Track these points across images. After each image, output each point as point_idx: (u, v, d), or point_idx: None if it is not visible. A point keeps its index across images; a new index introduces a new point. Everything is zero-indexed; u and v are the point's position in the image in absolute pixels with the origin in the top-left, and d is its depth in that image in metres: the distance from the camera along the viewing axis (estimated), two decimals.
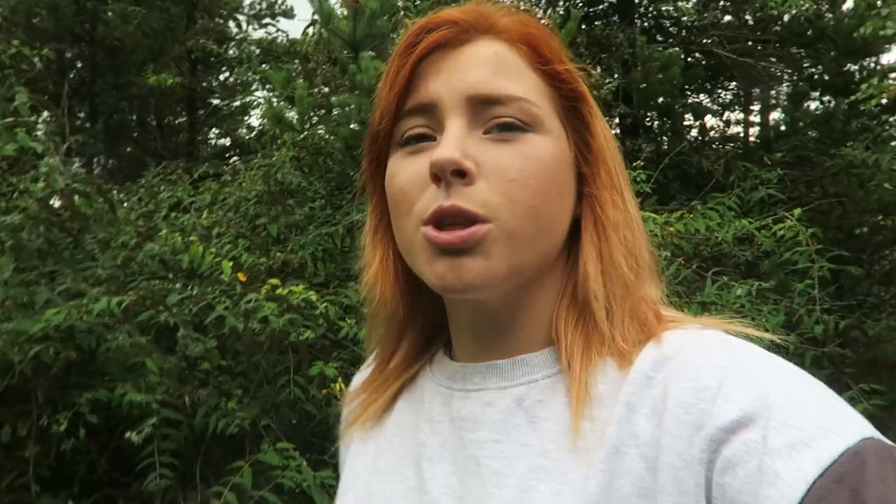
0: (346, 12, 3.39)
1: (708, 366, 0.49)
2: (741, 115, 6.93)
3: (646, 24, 5.68)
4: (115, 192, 3.19)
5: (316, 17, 4.48)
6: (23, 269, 2.78)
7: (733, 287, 2.69)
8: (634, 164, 3.28)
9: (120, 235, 3.01)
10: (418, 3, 3.52)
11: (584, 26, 4.80)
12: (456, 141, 0.53)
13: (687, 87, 5.82)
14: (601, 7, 5.86)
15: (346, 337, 2.73)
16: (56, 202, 2.80)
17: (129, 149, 10.00)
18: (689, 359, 0.50)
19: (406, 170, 0.57)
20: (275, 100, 4.47)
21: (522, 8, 0.62)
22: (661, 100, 4.86)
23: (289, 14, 10.22)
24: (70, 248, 2.99)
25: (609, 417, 0.51)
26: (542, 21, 0.63)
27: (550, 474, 0.51)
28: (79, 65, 8.61)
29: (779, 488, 0.41)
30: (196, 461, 2.63)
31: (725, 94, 6.89)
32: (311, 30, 5.27)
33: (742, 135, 6.78)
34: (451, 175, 0.53)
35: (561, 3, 5.45)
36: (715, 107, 6.70)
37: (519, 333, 0.59)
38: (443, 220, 0.53)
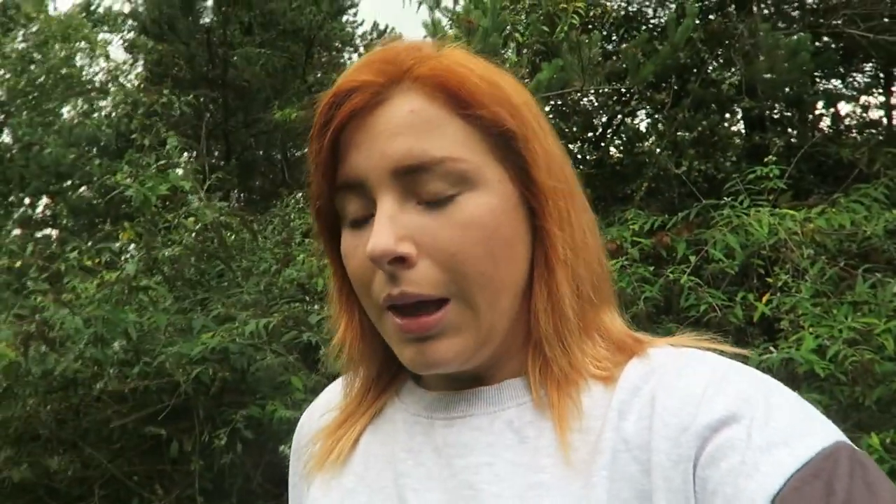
0: (457, 32, 3.47)
1: (693, 375, 0.51)
2: (881, 99, 6.39)
3: (766, 11, 5.39)
4: (253, 222, 3.44)
5: (427, 38, 4.59)
6: (178, 298, 3.04)
7: (888, 284, 2.48)
8: (765, 159, 3.11)
9: (261, 263, 3.23)
10: (526, 20, 3.55)
11: (699, 20, 4.63)
12: (387, 225, 0.51)
13: (817, 73, 5.46)
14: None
15: None
16: (205, 235, 3.05)
17: (258, 182, 10.67)
18: (675, 370, 0.52)
19: (354, 251, 0.55)
20: None
21: (442, 40, 0.59)
22: (788, 90, 4.58)
23: (398, 39, 10.55)
24: (217, 277, 3.24)
25: (602, 426, 0.52)
26: (466, 52, 0.57)
27: (550, 489, 0.51)
28: (211, 107, 9.33)
29: (757, 480, 0.44)
30: None
31: (861, 78, 6.39)
32: None
33: (885, 119, 6.25)
34: (391, 264, 0.51)
35: (671, 0, 5.29)
36: (850, 92, 6.23)
37: (499, 369, 0.58)
38: (397, 304, 0.52)
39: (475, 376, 0.58)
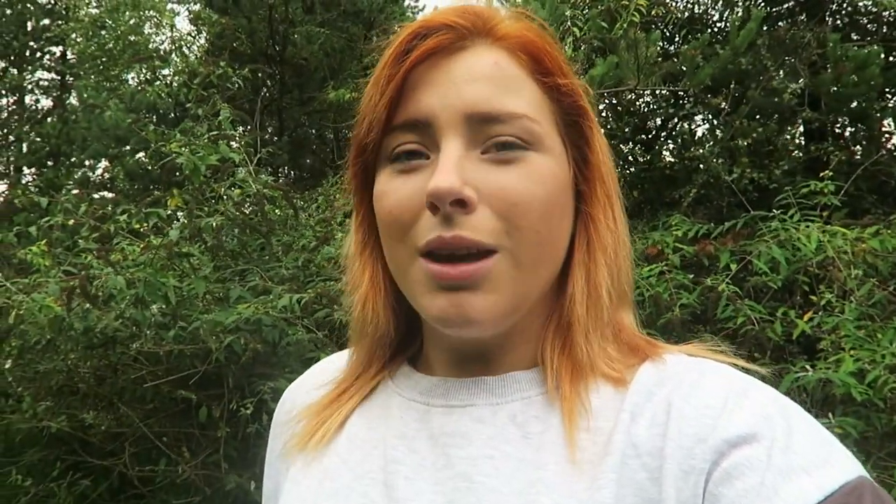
0: None
1: (712, 385, 0.50)
2: None
3: (839, 21, 5.20)
4: (297, 199, 3.48)
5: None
6: (218, 267, 3.11)
7: None
8: (822, 174, 3.01)
9: (301, 239, 3.27)
10: (585, 11, 3.49)
11: (765, 27, 4.50)
12: (454, 166, 0.49)
13: (887, 89, 5.25)
14: (786, 6, 5.45)
15: None
16: (249, 207, 3.11)
17: (308, 160, 10.81)
18: (693, 379, 0.51)
19: (397, 192, 0.52)
20: None
21: (521, 10, 0.57)
22: (854, 104, 4.42)
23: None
24: (258, 250, 3.30)
25: (612, 428, 0.50)
26: (544, 26, 0.56)
27: (551, 487, 0.49)
28: (268, 83, 9.47)
29: None
30: None
31: None
32: None
33: None
34: (451, 206, 0.49)
35: (739, 4, 5.15)
36: None
37: (508, 353, 0.57)
38: (442, 251, 0.50)
39: (482, 361, 0.57)
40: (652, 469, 0.48)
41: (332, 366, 0.68)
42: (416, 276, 0.52)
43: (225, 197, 3.04)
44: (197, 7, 10.91)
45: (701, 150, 4.41)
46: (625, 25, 3.37)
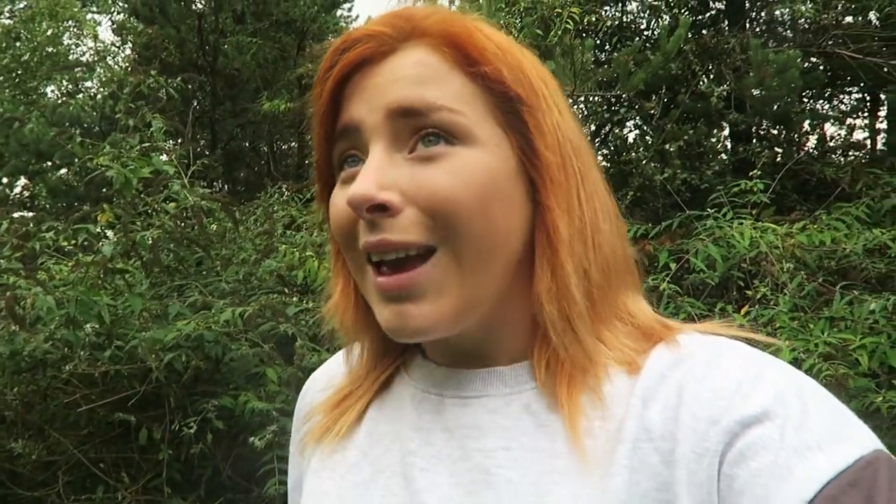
0: None
1: (725, 367, 0.49)
2: (866, 122, 6.48)
3: (758, 28, 5.45)
4: (236, 211, 3.40)
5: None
6: (154, 283, 2.99)
7: (865, 301, 2.51)
8: (751, 174, 3.14)
9: (241, 252, 3.19)
10: (519, 21, 3.55)
11: (691, 34, 4.67)
12: (373, 173, 0.49)
13: (805, 93, 5.52)
14: (710, 14, 5.68)
15: None
16: (186, 221, 3.01)
17: (243, 173, 10.59)
18: (705, 360, 0.50)
19: (339, 201, 0.53)
20: None
21: (452, 5, 0.58)
22: (776, 106, 4.63)
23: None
24: (196, 265, 3.20)
25: (624, 414, 0.50)
26: (477, 18, 0.56)
27: (566, 476, 0.50)
28: (199, 95, 9.24)
29: (791, 484, 0.41)
30: None
31: (848, 100, 6.47)
32: None
33: (868, 142, 6.34)
34: (369, 212, 0.49)
35: (666, 13, 5.33)
36: (836, 114, 6.31)
37: (506, 344, 0.56)
38: (376, 255, 0.51)
39: (479, 351, 0.56)
40: (665, 452, 0.47)
41: (339, 362, 0.69)
42: (367, 285, 0.53)
43: (160, 211, 2.93)
44: (121, 17, 10.56)
45: (634, 154, 4.53)
46: (559, 32, 3.44)
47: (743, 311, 2.53)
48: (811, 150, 5.66)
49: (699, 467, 0.45)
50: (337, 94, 0.54)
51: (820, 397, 0.47)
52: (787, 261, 2.69)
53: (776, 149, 5.27)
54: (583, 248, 0.53)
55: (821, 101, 6.31)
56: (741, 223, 2.79)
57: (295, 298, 2.80)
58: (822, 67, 5.14)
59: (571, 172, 0.54)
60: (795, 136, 5.66)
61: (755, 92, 4.15)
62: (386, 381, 0.62)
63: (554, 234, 0.52)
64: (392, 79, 0.52)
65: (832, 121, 6.18)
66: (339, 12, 10.50)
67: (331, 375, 0.68)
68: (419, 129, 0.51)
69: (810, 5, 3.96)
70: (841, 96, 6.43)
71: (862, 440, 0.44)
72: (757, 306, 2.51)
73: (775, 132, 5.57)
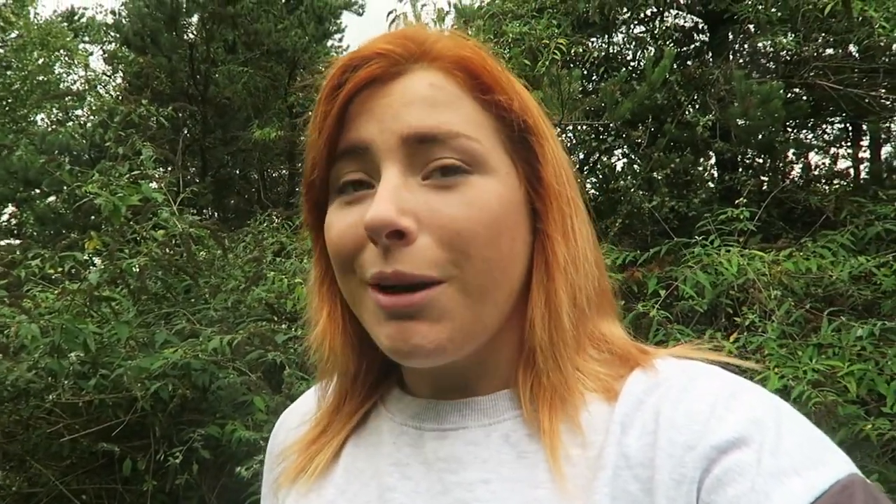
0: None
1: (700, 390, 0.49)
2: (849, 151, 6.59)
3: (741, 60, 5.56)
4: (224, 238, 3.39)
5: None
6: (141, 311, 2.97)
7: (852, 328, 2.52)
8: (737, 202, 3.17)
9: (230, 280, 3.18)
10: (507, 51, 3.60)
11: (676, 65, 4.75)
12: (391, 195, 0.48)
13: (788, 123, 5.62)
14: (694, 46, 5.78)
15: None
16: (174, 248, 2.99)
17: (233, 201, 10.59)
18: (680, 384, 0.50)
19: (340, 223, 0.52)
20: None
21: (457, 31, 0.56)
22: (760, 136, 4.71)
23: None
24: (184, 293, 3.18)
25: (604, 441, 0.50)
26: (482, 45, 0.56)
27: (550, 501, 0.49)
28: (189, 123, 9.28)
29: None
30: None
31: (830, 130, 6.59)
32: None
33: (852, 170, 6.44)
34: (388, 237, 0.48)
35: (651, 44, 5.43)
36: (819, 143, 6.42)
37: (490, 373, 0.56)
38: (386, 284, 0.49)
39: (462, 382, 0.56)
40: (644, 480, 0.47)
41: (311, 397, 0.67)
42: (367, 305, 0.52)
43: (148, 238, 2.92)
44: (112, 46, 10.61)
45: (623, 182, 4.58)
46: (547, 63, 3.49)
47: (732, 338, 2.54)
48: (796, 179, 5.74)
49: (678, 494, 0.45)
50: (343, 111, 0.52)
51: (794, 421, 0.47)
52: (775, 288, 2.71)
53: (762, 177, 5.34)
54: (575, 274, 0.53)
55: (804, 131, 6.43)
56: (728, 250, 2.81)
57: (284, 326, 2.78)
58: (804, 98, 5.24)
59: (567, 201, 0.54)
60: (780, 164, 5.75)
61: (740, 122, 4.22)
62: (363, 416, 0.61)
63: (553, 261, 0.53)
64: (405, 101, 0.50)
65: (816, 150, 6.29)
66: (329, 42, 10.62)
67: (304, 412, 0.66)
68: (436, 157, 0.50)
69: (791, 38, 4.05)
70: (824, 126, 6.55)
71: (837, 464, 0.44)
72: (746, 333, 2.52)
73: (760, 161, 5.65)
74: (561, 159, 0.55)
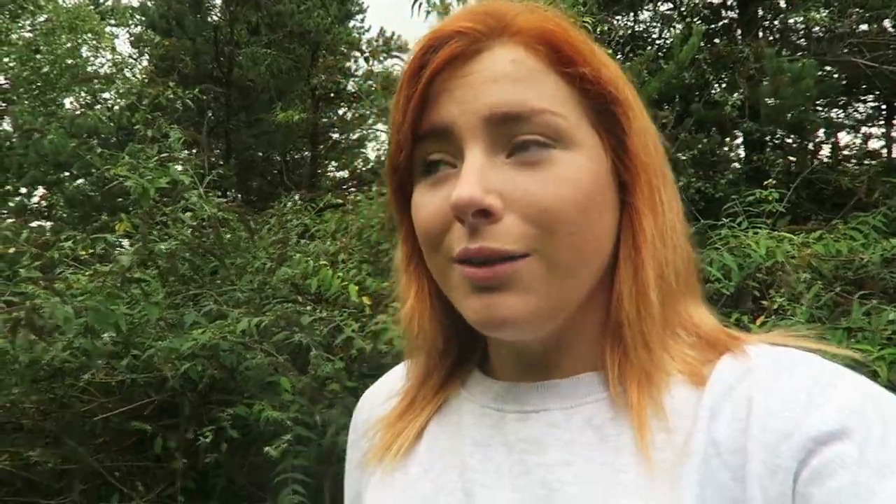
0: None
1: (798, 377, 0.47)
2: (882, 130, 6.44)
3: (771, 37, 5.44)
4: (251, 220, 3.43)
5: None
6: (170, 293, 3.02)
7: (883, 311, 2.48)
8: (765, 182, 3.12)
9: (255, 261, 3.21)
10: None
11: (704, 43, 4.67)
12: (476, 175, 0.48)
13: (819, 101, 5.50)
14: (722, 23, 5.67)
15: None
16: (202, 230, 3.03)
17: (256, 183, 10.67)
18: (775, 371, 0.49)
19: (427, 205, 0.52)
20: None
21: (535, 3, 0.54)
22: (790, 115, 4.62)
23: (405, 49, 10.64)
24: (211, 274, 3.22)
25: (692, 427, 0.49)
26: (564, 16, 0.54)
27: (632, 491, 0.48)
28: (214, 105, 9.34)
29: None
30: (325, 480, 2.72)
31: (863, 109, 6.44)
32: None
33: (884, 150, 6.29)
34: (474, 216, 0.48)
35: (678, 21, 5.33)
36: (851, 122, 6.27)
37: (573, 353, 0.55)
38: (473, 260, 0.49)
39: (545, 363, 0.55)
40: (734, 468, 0.46)
41: (398, 376, 0.68)
42: (454, 280, 0.52)
43: (176, 220, 2.96)
44: (138, 29, 10.69)
45: None
46: None
47: (759, 322, 2.51)
48: (825, 160, 5.63)
49: (772, 484, 0.44)
50: (426, 92, 0.52)
51: None
52: (804, 270, 2.67)
53: (789, 158, 5.25)
54: (663, 248, 0.52)
55: (835, 110, 6.29)
56: (756, 232, 2.78)
57: (309, 307, 2.81)
58: (836, 75, 5.12)
59: (656, 171, 0.53)
60: (809, 144, 5.64)
61: (769, 101, 4.14)
62: (444, 398, 0.62)
63: (640, 235, 0.52)
64: (486, 79, 0.50)
65: (847, 129, 6.15)
66: (351, 23, 10.59)
67: (390, 389, 0.67)
68: (520, 134, 0.49)
69: (825, 13, 3.95)
70: (856, 105, 6.40)
71: None
72: (773, 317, 2.49)
73: (789, 141, 5.55)
74: (648, 129, 0.54)
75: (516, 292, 0.49)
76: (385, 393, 0.67)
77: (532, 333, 0.51)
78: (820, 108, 5.90)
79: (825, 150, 6.02)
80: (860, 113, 6.41)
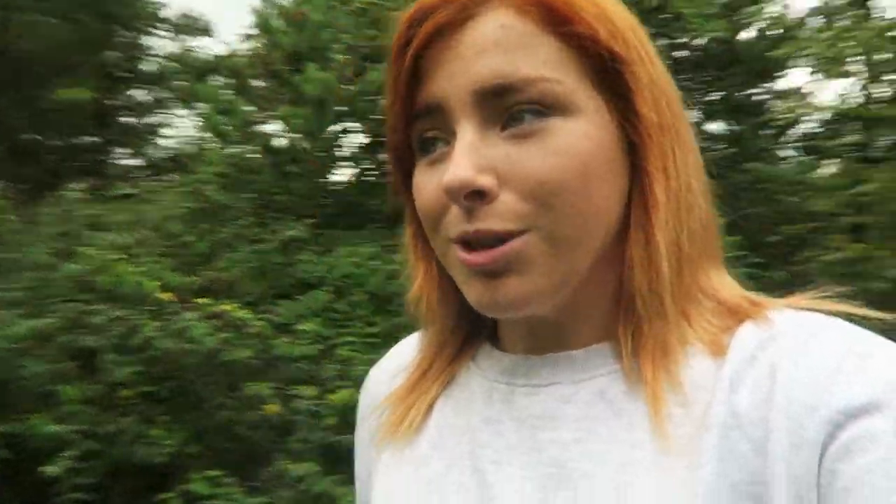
0: (286, 25, 3.35)
1: (826, 346, 0.45)
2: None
3: None
4: (28, 210, 3.01)
5: (251, 31, 4.44)
6: None
7: None
8: None
9: (31, 254, 2.84)
10: (354, 22, 3.52)
11: None
12: (466, 155, 0.46)
13: None
14: None
15: (281, 356, 2.66)
16: None
17: (30, 170, 9.51)
18: (801, 339, 0.46)
19: (426, 186, 0.51)
20: (206, 114, 4.34)
21: None
22: None
23: (207, 31, 10.05)
24: None
25: (710, 399, 0.47)
26: None
27: (648, 468, 0.46)
28: None
29: None
30: (114, 494, 2.48)
31: None
32: (245, 44, 5.18)
33: None
34: (468, 199, 0.46)
35: None
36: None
37: (584, 324, 0.53)
38: (472, 243, 0.48)
39: (557, 334, 0.53)
40: (756, 440, 0.44)
41: (411, 348, 0.65)
42: (453, 263, 0.50)
43: None
44: None
45: None
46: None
47: None
48: None
49: (797, 459, 0.42)
50: (415, 67, 0.49)
51: None
52: None
53: None
54: (676, 211, 0.50)
55: None
56: None
57: (100, 307, 2.53)
58: None
59: (669, 130, 0.50)
60: None
61: None
62: (453, 373, 0.60)
63: (651, 200, 0.49)
64: (476, 50, 0.47)
65: None
66: None
67: (398, 364, 0.65)
68: (514, 105, 0.46)
69: None
70: None
71: None
72: None
73: None
74: (660, 84, 0.51)
75: (517, 273, 0.47)
76: (393, 368, 0.65)
77: (538, 311, 0.49)
78: None
79: None
80: None
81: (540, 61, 0.47)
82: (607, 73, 0.49)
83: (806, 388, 0.43)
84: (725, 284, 0.53)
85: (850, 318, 0.48)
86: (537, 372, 0.53)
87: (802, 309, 0.50)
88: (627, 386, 0.49)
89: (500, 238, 0.46)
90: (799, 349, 0.45)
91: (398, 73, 0.50)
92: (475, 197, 0.46)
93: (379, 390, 0.65)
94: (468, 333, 0.61)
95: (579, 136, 0.47)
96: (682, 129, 0.51)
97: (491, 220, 0.46)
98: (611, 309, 0.52)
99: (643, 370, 0.49)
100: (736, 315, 0.50)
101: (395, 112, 0.51)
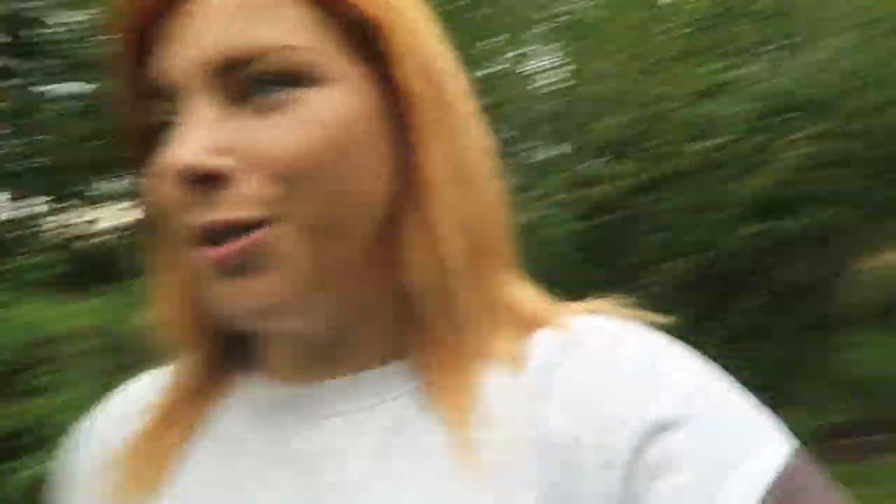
0: None
1: (624, 355, 0.42)
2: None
3: None
4: None
5: None
6: None
7: None
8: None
9: None
10: None
11: None
12: (195, 134, 0.38)
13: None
14: None
15: None
16: None
17: None
18: (599, 347, 0.43)
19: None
20: None
21: None
22: None
23: None
24: None
25: (515, 419, 0.41)
26: None
27: (455, 501, 0.40)
28: None
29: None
30: None
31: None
32: None
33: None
34: (198, 184, 0.38)
35: None
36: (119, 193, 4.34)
37: (366, 340, 0.45)
38: (215, 239, 0.39)
39: (333, 356, 0.45)
40: (567, 461, 0.40)
41: (147, 386, 0.52)
42: (195, 265, 0.41)
43: None
44: None
45: None
46: None
47: None
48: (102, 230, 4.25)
49: (605, 479, 0.39)
50: (140, 40, 0.42)
51: (729, 396, 0.41)
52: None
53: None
54: (460, 194, 0.43)
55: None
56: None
57: None
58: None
59: (440, 104, 0.43)
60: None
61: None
62: (210, 412, 0.48)
63: (425, 180, 0.42)
64: (210, 17, 0.40)
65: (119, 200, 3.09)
66: None
67: (128, 407, 0.51)
68: (256, 77, 0.39)
69: None
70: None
71: (778, 443, 0.39)
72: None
73: None
74: (427, 53, 0.44)
75: (266, 270, 0.39)
76: (123, 411, 0.51)
77: (303, 319, 0.42)
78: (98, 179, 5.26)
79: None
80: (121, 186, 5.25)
81: (285, 27, 0.40)
82: (366, 39, 0.42)
83: (609, 402, 0.40)
84: (522, 292, 0.47)
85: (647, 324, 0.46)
86: (319, 402, 0.45)
87: (599, 313, 0.47)
88: (423, 409, 0.43)
89: (245, 227, 0.39)
90: (599, 360, 0.43)
91: (119, 49, 0.42)
92: (208, 182, 0.38)
93: (106, 442, 0.50)
94: (229, 362, 0.49)
95: (333, 107, 0.40)
96: (456, 104, 0.45)
97: (230, 208, 0.39)
98: (395, 320, 0.45)
99: (439, 388, 0.43)
100: (535, 323, 0.45)
101: (118, 96, 0.44)
